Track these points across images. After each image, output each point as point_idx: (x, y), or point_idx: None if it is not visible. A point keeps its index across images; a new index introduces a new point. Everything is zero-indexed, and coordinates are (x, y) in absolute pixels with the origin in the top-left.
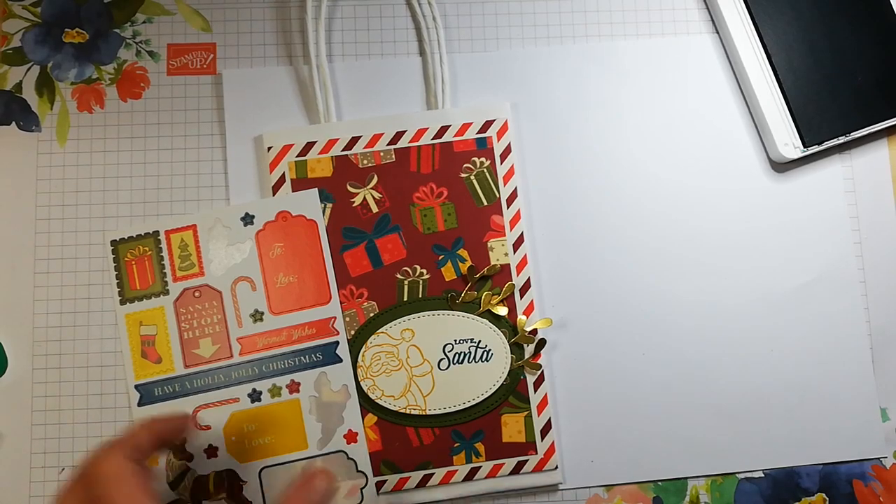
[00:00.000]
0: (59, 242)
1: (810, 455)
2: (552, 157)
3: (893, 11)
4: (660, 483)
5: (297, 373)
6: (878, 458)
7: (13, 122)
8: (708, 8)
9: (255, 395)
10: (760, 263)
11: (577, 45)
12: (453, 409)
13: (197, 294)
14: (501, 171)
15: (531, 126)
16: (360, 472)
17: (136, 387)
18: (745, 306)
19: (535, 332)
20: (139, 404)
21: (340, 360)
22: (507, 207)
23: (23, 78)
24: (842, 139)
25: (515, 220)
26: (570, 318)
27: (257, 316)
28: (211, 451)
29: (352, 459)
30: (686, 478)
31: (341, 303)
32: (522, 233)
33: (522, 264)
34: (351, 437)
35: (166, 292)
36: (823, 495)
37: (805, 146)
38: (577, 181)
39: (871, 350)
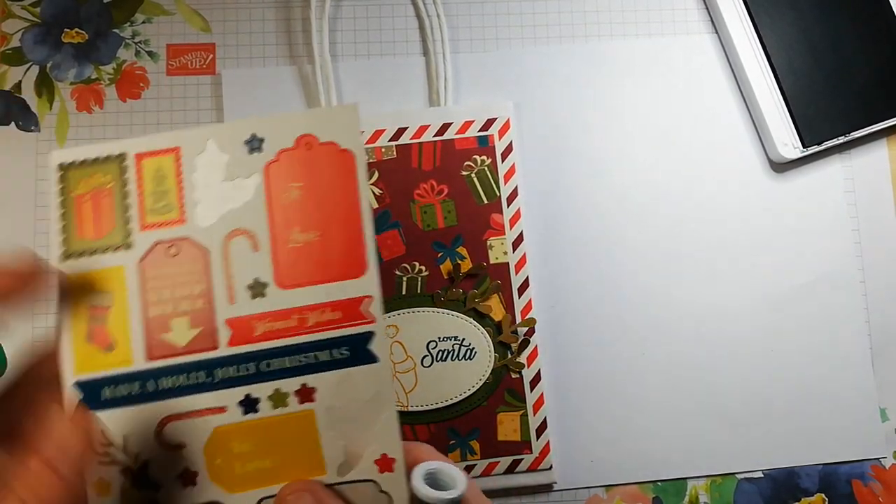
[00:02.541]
0: None
1: (810, 455)
2: (553, 157)
3: (893, 11)
4: (659, 483)
5: (312, 374)
6: (878, 459)
7: (12, 122)
8: (707, 8)
9: (249, 404)
10: (760, 263)
11: (578, 45)
12: (435, 407)
13: (173, 250)
14: (502, 169)
15: (532, 125)
16: None
17: (77, 384)
18: (744, 306)
19: (529, 331)
20: None
21: (376, 360)
22: (508, 206)
23: (22, 78)
24: (841, 139)
25: (515, 218)
26: (569, 317)
27: (258, 289)
28: (187, 477)
29: (385, 493)
30: (686, 478)
31: None
32: (522, 231)
33: (522, 263)
34: (385, 463)
35: (129, 245)
36: (823, 495)
37: (805, 146)
38: (578, 180)
39: (871, 350)
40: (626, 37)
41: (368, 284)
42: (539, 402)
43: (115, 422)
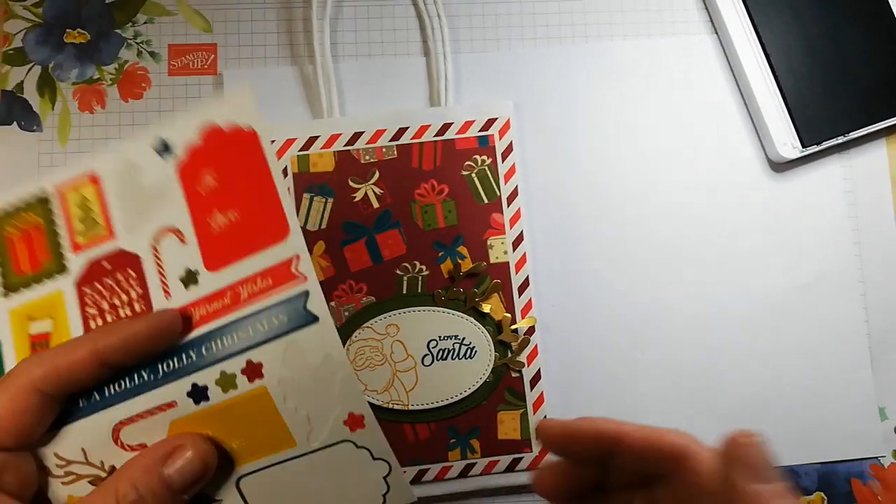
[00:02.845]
0: None
1: (808, 454)
2: (553, 156)
3: (892, 11)
4: None
5: (255, 349)
6: (877, 458)
7: (14, 123)
8: (707, 8)
9: (198, 393)
10: (759, 263)
11: (578, 45)
12: (436, 406)
13: (108, 265)
14: (503, 169)
15: (533, 125)
16: (379, 459)
17: None
18: (743, 306)
19: (530, 330)
20: None
21: (315, 319)
22: (508, 206)
23: (24, 78)
24: (840, 139)
25: (516, 218)
26: (569, 316)
27: (190, 278)
28: None
29: (363, 448)
30: None
31: (339, 297)
32: (522, 231)
33: (522, 263)
34: (355, 421)
35: (63, 269)
36: (822, 494)
37: (804, 146)
38: (578, 180)
39: (870, 349)
40: (627, 37)
41: (293, 245)
42: (539, 401)
43: (69, 438)
